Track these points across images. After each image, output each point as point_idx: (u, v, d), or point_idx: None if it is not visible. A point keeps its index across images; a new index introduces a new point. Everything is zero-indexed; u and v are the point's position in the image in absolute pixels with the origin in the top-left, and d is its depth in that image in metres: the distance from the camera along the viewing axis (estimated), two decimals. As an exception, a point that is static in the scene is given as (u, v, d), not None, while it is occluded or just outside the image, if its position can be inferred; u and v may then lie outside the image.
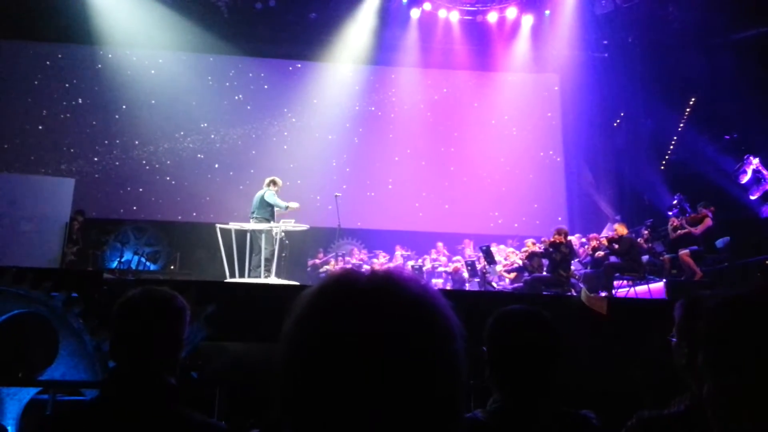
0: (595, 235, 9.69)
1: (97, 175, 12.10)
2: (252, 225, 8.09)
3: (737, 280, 8.01)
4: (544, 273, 8.37)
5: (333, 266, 10.44)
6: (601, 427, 1.50)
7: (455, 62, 13.51)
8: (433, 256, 11.33)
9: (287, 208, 8.08)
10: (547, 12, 12.74)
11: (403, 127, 13.39)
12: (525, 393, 1.47)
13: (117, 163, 12.26)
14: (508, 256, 10.19)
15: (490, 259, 9.18)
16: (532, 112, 13.79)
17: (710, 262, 8.64)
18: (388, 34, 12.82)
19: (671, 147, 12.37)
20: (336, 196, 8.80)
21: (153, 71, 12.51)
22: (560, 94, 14.01)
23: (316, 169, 12.64)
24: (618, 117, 13.16)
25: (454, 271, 10.33)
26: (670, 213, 9.13)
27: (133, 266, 10.74)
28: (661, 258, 9.27)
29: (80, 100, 12.37)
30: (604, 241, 8.68)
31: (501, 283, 9.80)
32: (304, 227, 8.09)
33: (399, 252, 11.52)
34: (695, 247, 8.34)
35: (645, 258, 8.89)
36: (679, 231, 8.66)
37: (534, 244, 9.09)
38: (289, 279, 8.58)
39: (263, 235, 7.93)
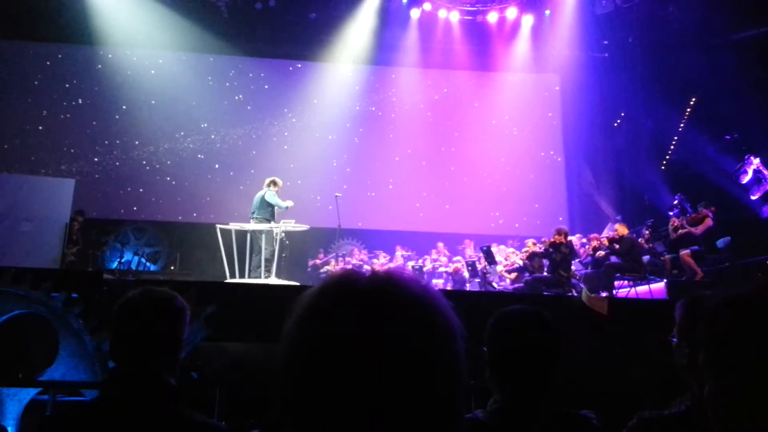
0: (595, 235, 9.69)
1: (97, 176, 12.10)
2: (252, 225, 8.09)
3: (738, 281, 8.01)
4: (545, 273, 8.36)
5: (333, 267, 10.44)
6: (602, 428, 1.50)
7: (455, 62, 13.51)
8: (434, 256, 11.32)
9: (287, 208, 8.09)
10: (547, 12, 12.74)
11: (404, 127, 13.38)
12: (525, 393, 1.47)
13: (117, 164, 12.26)
14: (508, 257, 10.20)
15: (490, 259, 9.17)
16: (533, 112, 13.78)
17: (711, 262, 8.64)
18: (388, 34, 12.82)
19: (672, 147, 12.36)
20: (336, 196, 8.80)
21: (153, 71, 12.50)
22: (560, 94, 14.01)
23: (317, 169, 12.64)
24: (618, 117, 13.15)
25: (454, 272, 10.33)
26: (671, 213, 9.12)
27: (133, 267, 10.75)
28: (661, 258, 9.27)
29: (80, 101, 12.37)
30: (605, 242, 8.68)
31: (501, 283, 9.80)
32: (304, 227, 8.09)
33: (399, 252, 11.52)
34: (696, 248, 8.33)
35: (646, 258, 8.89)
36: (679, 231, 8.65)
37: (534, 244, 9.08)
38: (289, 279, 8.58)
39: (263, 236, 7.93)
